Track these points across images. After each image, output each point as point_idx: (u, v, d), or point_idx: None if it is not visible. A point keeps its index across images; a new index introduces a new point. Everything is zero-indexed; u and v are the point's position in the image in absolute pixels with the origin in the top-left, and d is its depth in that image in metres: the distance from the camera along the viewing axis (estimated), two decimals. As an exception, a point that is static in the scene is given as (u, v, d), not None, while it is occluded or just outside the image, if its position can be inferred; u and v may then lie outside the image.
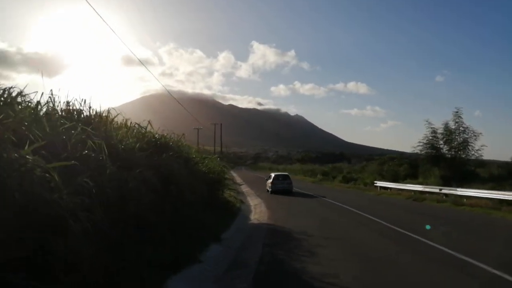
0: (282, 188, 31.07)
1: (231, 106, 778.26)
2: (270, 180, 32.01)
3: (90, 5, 10.62)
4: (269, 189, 31.41)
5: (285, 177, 32.90)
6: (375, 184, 34.31)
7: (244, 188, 37.10)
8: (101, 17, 12.50)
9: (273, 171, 45.65)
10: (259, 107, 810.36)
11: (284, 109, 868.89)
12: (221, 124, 74.91)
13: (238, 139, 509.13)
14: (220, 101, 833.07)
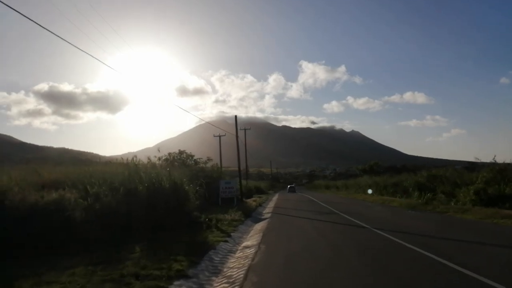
0: (291, 191, 71.13)
1: (284, 127, 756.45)
2: (288, 188, 77.25)
3: None
4: (287, 191, 71.41)
5: (293, 187, 76.56)
6: None
7: (251, 239, 13.43)
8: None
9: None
10: (313, 126, 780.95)
11: (338, 125, 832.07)
12: (245, 129, 52.22)
13: (293, 159, 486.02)
14: (273, 123, 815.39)
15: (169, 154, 36.16)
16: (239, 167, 32.05)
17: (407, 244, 9.76)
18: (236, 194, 27.57)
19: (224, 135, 50.19)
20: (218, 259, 9.75)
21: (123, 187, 14.56)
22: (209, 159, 37.31)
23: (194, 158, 37.31)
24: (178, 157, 35.25)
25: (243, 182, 55.12)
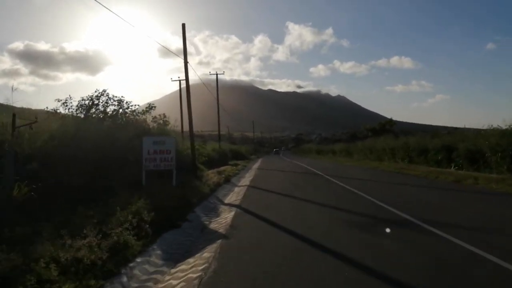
0: (276, 153, 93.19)
1: (270, 91, 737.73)
2: (273, 151, 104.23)
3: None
4: (273, 153, 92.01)
5: (279, 151, 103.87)
6: None
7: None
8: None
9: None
10: (299, 90, 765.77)
11: (325, 90, 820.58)
12: (216, 74, 38.56)
13: (279, 124, 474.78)
14: (259, 86, 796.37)
15: (89, 96, 22.01)
16: (189, 114, 18.52)
17: None
18: (174, 165, 14.03)
19: (184, 79, 36.56)
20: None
21: None
22: (151, 107, 23.36)
23: (129, 106, 23.20)
24: (97, 101, 21.21)
25: (214, 145, 41.77)
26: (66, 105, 18.84)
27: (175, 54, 28.62)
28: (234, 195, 13.24)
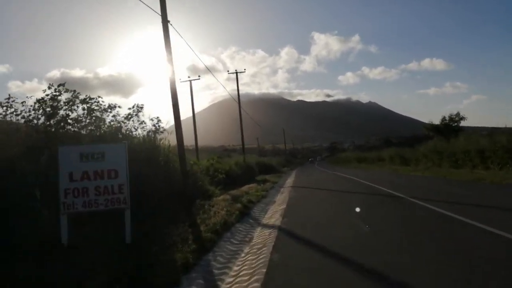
0: (311, 162, 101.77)
1: (299, 101, 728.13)
2: (309, 160, 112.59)
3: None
4: (309, 163, 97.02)
5: (313, 160, 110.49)
6: None
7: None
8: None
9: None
10: (328, 99, 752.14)
11: (355, 97, 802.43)
12: (236, 72, 31.73)
13: (309, 133, 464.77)
14: (288, 98, 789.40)
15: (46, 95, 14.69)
16: (174, 106, 11.40)
17: None
18: (126, 199, 6.82)
19: (199, 78, 29.94)
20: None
21: None
22: (138, 110, 16.20)
23: (108, 109, 15.98)
24: (54, 103, 14.25)
25: (238, 158, 34.65)
26: (7, 111, 11.83)
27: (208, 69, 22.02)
28: (248, 265, 5.80)
